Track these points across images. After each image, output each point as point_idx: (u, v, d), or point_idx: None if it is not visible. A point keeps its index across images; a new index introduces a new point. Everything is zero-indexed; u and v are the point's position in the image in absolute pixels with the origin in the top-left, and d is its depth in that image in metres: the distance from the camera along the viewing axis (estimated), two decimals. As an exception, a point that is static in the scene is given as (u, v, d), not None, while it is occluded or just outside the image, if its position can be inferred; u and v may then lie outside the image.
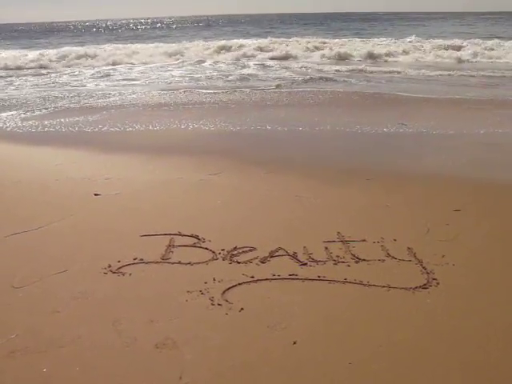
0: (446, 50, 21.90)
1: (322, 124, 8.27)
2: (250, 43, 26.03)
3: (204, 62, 20.30)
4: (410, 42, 25.71)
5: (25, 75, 17.15)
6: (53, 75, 17.00)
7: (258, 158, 6.26)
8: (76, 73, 17.57)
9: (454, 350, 2.56)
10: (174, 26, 69.65)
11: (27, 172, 5.80)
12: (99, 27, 76.35)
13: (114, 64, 20.07)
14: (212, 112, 9.77)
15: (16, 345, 2.61)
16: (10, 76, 17.02)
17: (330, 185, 5.16)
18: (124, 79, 15.73)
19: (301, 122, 8.50)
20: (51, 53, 22.86)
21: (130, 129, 8.29)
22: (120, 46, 27.13)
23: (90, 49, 24.93)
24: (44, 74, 17.36)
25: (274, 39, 27.67)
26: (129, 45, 28.07)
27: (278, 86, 13.13)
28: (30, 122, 9.06)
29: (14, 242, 3.87)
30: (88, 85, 14.63)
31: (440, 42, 24.78)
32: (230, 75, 15.70)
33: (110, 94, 12.63)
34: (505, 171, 5.72)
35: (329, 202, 4.67)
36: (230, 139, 7.55)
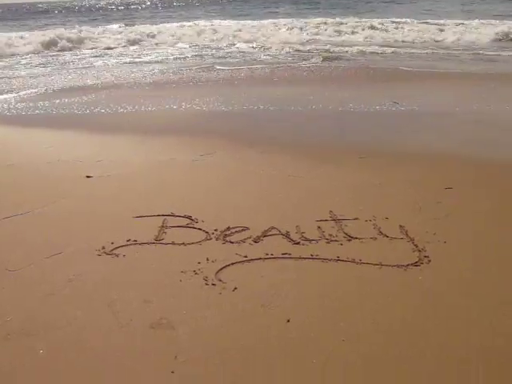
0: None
1: (315, 102, 8.25)
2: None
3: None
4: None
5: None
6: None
7: (250, 138, 6.25)
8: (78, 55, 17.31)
9: (445, 327, 2.59)
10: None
11: (18, 155, 5.77)
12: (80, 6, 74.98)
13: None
14: (204, 90, 9.71)
15: (12, 327, 2.62)
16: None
17: (322, 164, 5.16)
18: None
19: (294, 100, 8.47)
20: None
21: (122, 110, 8.24)
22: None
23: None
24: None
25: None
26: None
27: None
28: (22, 104, 9.00)
29: (6, 225, 3.87)
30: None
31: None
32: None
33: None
34: (497, 149, 5.74)
35: (322, 181, 4.67)
36: (223, 119, 7.52)
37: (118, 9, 60.99)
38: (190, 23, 28.00)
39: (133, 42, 19.86)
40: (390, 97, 8.43)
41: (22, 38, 20.54)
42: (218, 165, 5.20)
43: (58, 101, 9.19)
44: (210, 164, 5.23)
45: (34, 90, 10.46)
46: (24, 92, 10.34)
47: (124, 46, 19.20)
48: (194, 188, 4.58)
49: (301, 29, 22.02)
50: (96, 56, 16.69)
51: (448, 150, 5.64)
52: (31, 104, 9.00)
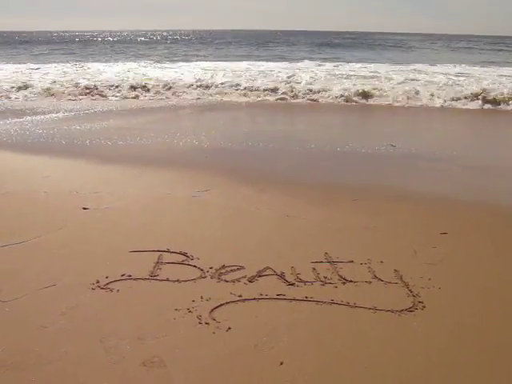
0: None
1: (313, 141, 8.34)
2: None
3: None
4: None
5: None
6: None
7: (247, 175, 6.29)
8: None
9: (438, 374, 2.59)
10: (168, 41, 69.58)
11: (15, 183, 5.79)
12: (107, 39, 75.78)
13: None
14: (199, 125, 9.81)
15: (3, 360, 2.60)
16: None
17: (318, 204, 5.19)
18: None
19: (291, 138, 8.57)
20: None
21: (121, 142, 8.30)
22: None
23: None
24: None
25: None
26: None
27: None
28: (21, 130, 9.06)
29: (1, 255, 3.86)
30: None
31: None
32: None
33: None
34: (492, 194, 5.80)
35: (317, 221, 4.70)
36: (221, 154, 7.58)
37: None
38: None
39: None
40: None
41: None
42: (215, 202, 5.22)
43: (56, 129, 9.26)
44: (208, 200, 5.25)
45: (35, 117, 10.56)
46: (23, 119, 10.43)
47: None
48: (190, 224, 4.59)
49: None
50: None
51: (444, 194, 5.70)
52: (30, 131, 9.07)
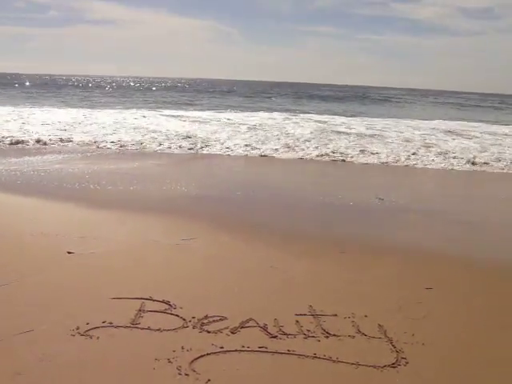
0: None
1: (299, 191, 8.40)
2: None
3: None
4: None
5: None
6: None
7: (232, 224, 6.29)
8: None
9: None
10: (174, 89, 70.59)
11: (0, 224, 5.76)
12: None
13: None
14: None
15: (-26, 407, 2.53)
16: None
17: (304, 256, 5.18)
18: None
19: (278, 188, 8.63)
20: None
21: (110, 187, 8.30)
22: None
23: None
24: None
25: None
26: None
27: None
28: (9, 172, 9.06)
29: (-20, 297, 3.80)
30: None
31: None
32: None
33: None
34: (478, 249, 5.83)
35: (302, 274, 4.68)
36: (206, 202, 7.60)
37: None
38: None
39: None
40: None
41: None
42: (199, 250, 5.20)
43: (43, 172, 9.27)
44: (192, 249, 5.23)
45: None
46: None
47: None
48: (174, 272, 4.56)
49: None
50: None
51: (430, 248, 5.71)
52: (18, 172, 9.07)
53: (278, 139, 15.72)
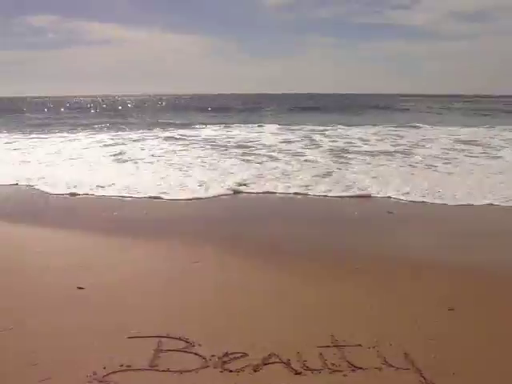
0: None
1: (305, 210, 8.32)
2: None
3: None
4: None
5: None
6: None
7: (247, 247, 6.19)
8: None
9: None
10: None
11: (5, 258, 5.67)
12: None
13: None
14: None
15: None
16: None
17: (318, 278, 5.08)
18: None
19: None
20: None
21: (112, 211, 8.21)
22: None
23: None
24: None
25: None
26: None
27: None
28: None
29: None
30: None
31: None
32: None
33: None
34: (502, 262, 5.73)
35: (319, 298, 4.56)
36: (209, 223, 7.52)
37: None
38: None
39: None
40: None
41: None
42: (212, 276, 5.09)
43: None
44: (204, 275, 5.12)
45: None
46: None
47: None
48: (187, 302, 4.43)
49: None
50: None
51: (450, 263, 5.60)
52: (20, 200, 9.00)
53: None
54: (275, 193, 10.01)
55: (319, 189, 10.22)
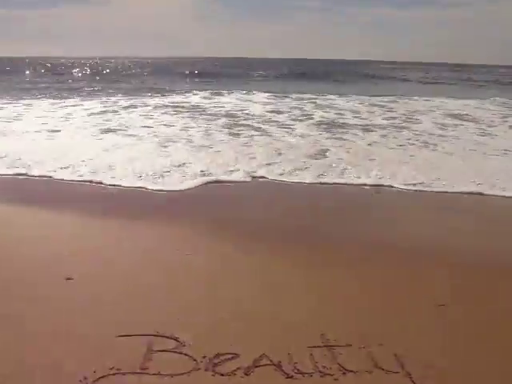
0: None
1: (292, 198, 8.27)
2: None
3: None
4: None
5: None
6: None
7: (229, 236, 6.14)
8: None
9: None
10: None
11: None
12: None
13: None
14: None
15: None
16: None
17: (312, 270, 5.06)
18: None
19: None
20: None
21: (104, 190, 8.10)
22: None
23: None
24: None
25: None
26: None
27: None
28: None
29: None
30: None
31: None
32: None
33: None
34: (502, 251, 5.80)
35: (309, 291, 4.55)
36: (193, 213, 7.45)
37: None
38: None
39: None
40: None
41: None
42: (205, 269, 5.05)
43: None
44: (197, 267, 5.07)
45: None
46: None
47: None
48: (178, 297, 4.39)
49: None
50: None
51: (441, 251, 5.61)
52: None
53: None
54: (266, 178, 9.45)
55: (312, 174, 9.60)
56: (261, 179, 9.28)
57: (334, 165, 10.36)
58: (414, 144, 13.16)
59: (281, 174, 9.54)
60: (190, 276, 4.87)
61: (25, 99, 23.30)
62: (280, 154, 11.47)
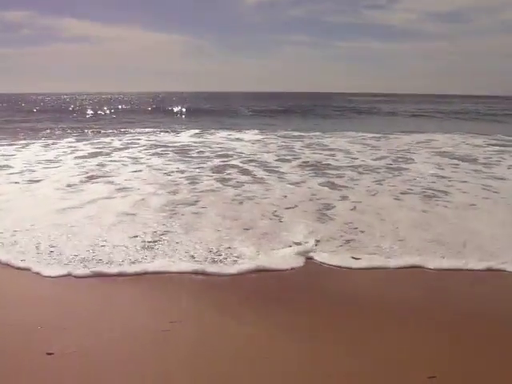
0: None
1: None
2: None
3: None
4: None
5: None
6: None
7: (223, 301, 5.77)
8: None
9: None
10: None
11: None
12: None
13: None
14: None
15: None
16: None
17: (314, 337, 4.85)
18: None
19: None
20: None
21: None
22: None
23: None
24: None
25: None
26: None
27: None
28: None
29: None
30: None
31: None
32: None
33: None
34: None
35: (312, 365, 4.35)
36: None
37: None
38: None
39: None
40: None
41: None
42: (193, 338, 4.81)
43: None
44: (186, 337, 4.83)
45: None
46: None
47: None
48: (167, 374, 4.19)
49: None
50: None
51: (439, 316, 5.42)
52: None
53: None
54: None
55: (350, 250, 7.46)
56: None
57: (359, 236, 8.17)
58: (420, 194, 11.38)
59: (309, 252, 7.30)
60: (180, 347, 4.67)
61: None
62: (278, 217, 9.26)
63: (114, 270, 6.49)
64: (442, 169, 15.02)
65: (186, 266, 6.64)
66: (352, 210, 9.99)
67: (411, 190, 11.91)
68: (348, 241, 7.89)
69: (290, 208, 10.04)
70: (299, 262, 6.99)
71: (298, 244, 7.65)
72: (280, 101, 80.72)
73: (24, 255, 6.98)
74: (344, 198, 11.00)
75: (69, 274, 6.33)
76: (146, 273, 6.42)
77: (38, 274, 6.36)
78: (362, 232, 8.37)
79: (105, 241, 7.64)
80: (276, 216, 9.37)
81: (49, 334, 4.85)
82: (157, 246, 7.45)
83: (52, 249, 7.25)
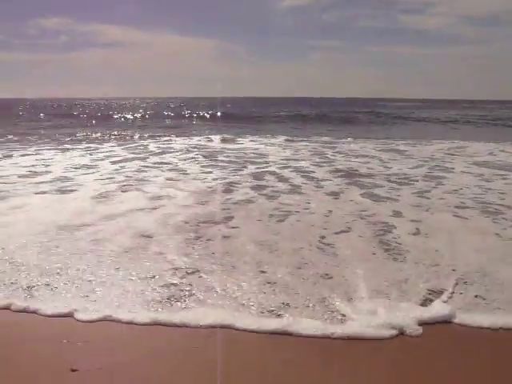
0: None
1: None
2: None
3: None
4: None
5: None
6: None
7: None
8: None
9: None
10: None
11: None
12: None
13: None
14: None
15: None
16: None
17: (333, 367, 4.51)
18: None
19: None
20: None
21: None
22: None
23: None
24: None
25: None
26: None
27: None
28: None
29: None
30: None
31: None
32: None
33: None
34: None
35: None
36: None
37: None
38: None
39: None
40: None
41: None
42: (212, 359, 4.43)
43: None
44: (205, 358, 4.47)
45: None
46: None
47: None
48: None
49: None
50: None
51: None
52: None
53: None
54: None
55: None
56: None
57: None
58: (478, 209, 9.97)
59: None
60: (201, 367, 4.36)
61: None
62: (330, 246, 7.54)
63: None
64: (488, 180, 13.67)
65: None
66: (416, 234, 8.24)
67: (463, 203, 10.63)
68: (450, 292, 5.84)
69: (341, 232, 8.35)
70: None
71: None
72: (311, 107, 79.96)
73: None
74: (397, 214, 9.52)
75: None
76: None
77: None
78: (454, 270, 6.48)
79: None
80: (325, 244, 7.67)
81: (74, 348, 4.60)
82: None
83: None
